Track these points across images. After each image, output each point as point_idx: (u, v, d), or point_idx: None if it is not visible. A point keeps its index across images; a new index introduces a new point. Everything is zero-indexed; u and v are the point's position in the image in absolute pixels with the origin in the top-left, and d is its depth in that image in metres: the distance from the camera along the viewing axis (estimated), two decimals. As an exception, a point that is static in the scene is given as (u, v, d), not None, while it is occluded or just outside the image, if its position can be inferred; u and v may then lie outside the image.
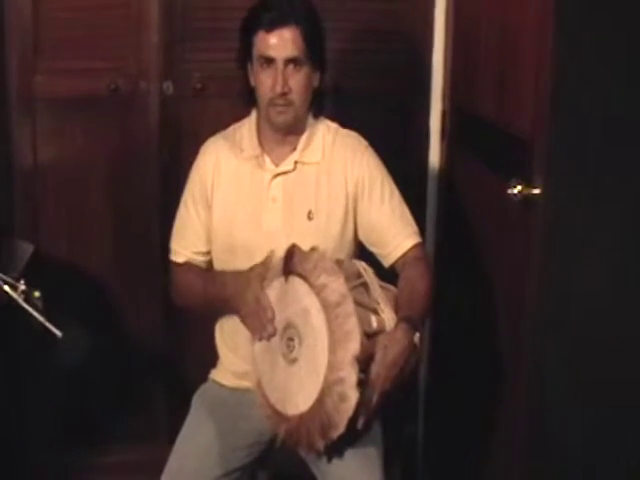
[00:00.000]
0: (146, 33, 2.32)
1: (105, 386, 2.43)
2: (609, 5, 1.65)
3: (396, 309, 1.70)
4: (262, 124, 1.85)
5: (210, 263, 1.90)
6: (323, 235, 1.80)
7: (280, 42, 1.75)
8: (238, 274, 1.77)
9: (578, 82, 1.67)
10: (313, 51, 1.79)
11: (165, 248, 1.96)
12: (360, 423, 1.61)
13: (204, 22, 2.33)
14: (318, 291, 1.60)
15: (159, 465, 1.80)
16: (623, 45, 1.66)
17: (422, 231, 1.93)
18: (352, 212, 1.85)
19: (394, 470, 1.81)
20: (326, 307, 1.58)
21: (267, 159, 1.85)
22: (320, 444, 1.61)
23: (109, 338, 2.38)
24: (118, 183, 2.39)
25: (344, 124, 1.91)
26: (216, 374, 1.93)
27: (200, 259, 1.89)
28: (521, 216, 1.83)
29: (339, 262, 1.69)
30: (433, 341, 2.45)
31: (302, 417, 1.62)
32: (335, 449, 1.69)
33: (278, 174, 1.84)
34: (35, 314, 1.57)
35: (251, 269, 1.75)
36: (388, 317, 1.67)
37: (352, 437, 1.65)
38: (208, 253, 1.89)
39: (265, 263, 1.73)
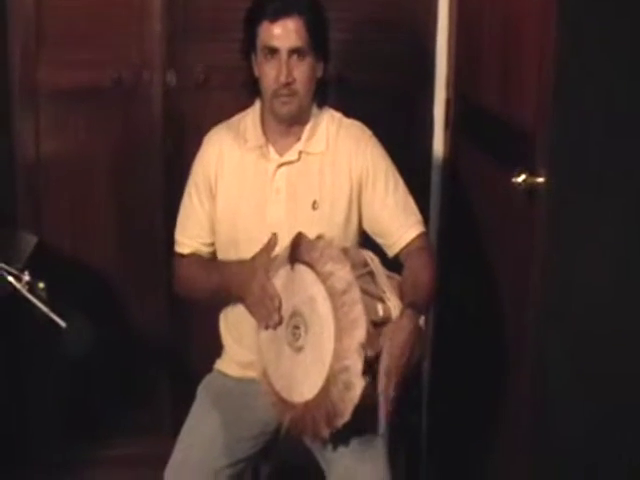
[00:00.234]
0: (149, 24, 2.32)
1: (109, 378, 2.44)
2: (612, -5, 1.65)
3: (401, 297, 1.69)
4: (266, 114, 1.85)
5: (214, 254, 1.90)
6: (327, 225, 1.80)
7: (284, 32, 1.75)
8: (243, 263, 1.77)
9: (581, 71, 1.66)
10: (317, 41, 1.79)
11: (169, 240, 1.96)
12: (383, 420, 1.57)
13: (207, 13, 2.32)
14: (324, 279, 1.60)
15: (164, 457, 1.81)
16: (626, 35, 1.66)
17: (426, 221, 1.93)
18: (356, 202, 1.85)
19: (398, 459, 1.81)
20: (332, 295, 1.58)
21: (271, 149, 1.84)
22: (325, 432, 1.61)
23: (113, 330, 2.38)
24: (121, 174, 2.39)
25: (348, 114, 1.91)
26: (221, 364, 1.93)
27: (204, 250, 1.89)
28: (525, 205, 1.83)
29: (345, 250, 1.69)
30: (437, 331, 2.45)
31: (307, 405, 1.61)
32: (340, 437, 1.69)
33: (282, 164, 1.84)
34: (39, 305, 1.57)
35: (255, 257, 1.74)
36: (394, 305, 1.66)
37: (357, 426, 1.65)
38: (212, 244, 1.89)
39: (268, 248, 1.73)
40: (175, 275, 1.93)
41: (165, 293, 2.35)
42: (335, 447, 1.72)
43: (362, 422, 1.63)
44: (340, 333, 1.57)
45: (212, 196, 1.86)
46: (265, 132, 1.85)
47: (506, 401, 2.00)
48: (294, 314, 1.66)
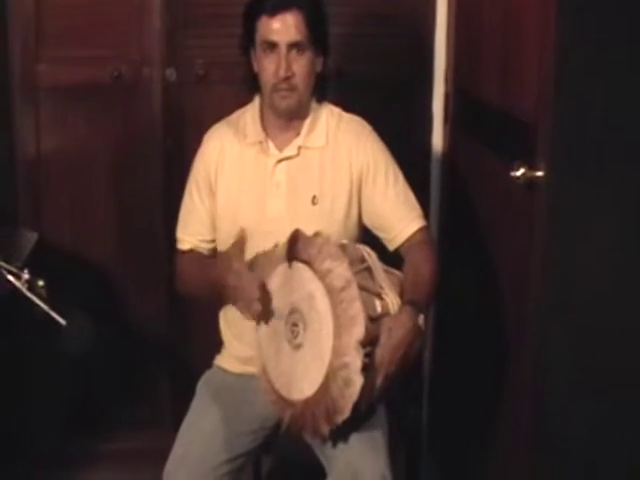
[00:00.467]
0: (148, 20, 2.30)
1: (110, 374, 2.43)
2: (612, -13, 1.63)
3: (401, 293, 1.69)
4: (265, 110, 1.84)
5: (215, 251, 1.89)
6: (327, 220, 1.80)
7: (283, 27, 1.74)
8: (221, 256, 1.76)
9: (581, 64, 1.65)
10: (316, 36, 1.78)
11: (169, 236, 1.95)
12: (364, 405, 1.60)
13: (206, 8, 2.31)
14: (322, 276, 1.59)
15: (164, 452, 1.80)
16: (627, 28, 1.64)
17: (426, 215, 1.93)
18: (356, 197, 1.84)
19: (398, 454, 1.81)
20: (331, 292, 1.58)
21: (271, 144, 1.84)
22: (325, 429, 1.61)
23: (113, 326, 2.38)
24: (121, 170, 2.38)
25: (347, 109, 1.90)
26: (221, 360, 1.93)
27: (205, 247, 1.88)
28: (524, 199, 1.82)
29: (343, 247, 1.68)
30: (437, 325, 2.44)
31: (307, 402, 1.61)
32: (340, 434, 1.68)
33: (282, 159, 1.83)
34: (39, 303, 1.57)
35: (227, 249, 1.73)
36: (392, 301, 1.66)
37: (357, 421, 1.65)
38: (213, 241, 1.88)
39: (239, 242, 1.72)
40: (176, 272, 1.92)
41: (165, 289, 2.35)
42: (335, 443, 1.71)
43: (360, 417, 1.63)
44: (339, 330, 1.56)
45: (212, 193, 1.85)
46: (264, 127, 1.84)
47: (506, 394, 1.99)
48: (293, 311, 1.65)
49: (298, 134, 1.83)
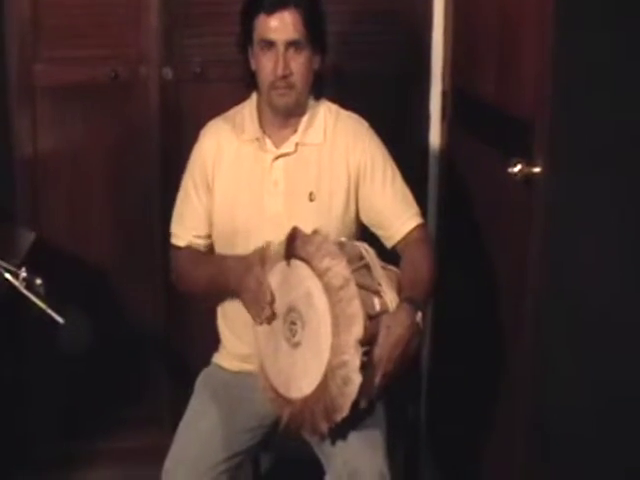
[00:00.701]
0: (145, 18, 2.30)
1: (107, 372, 2.42)
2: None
3: (399, 290, 1.68)
4: (263, 107, 1.84)
5: (211, 247, 1.88)
6: (325, 217, 1.79)
7: (281, 25, 1.74)
8: (240, 258, 1.75)
9: (579, 60, 1.63)
10: (314, 34, 1.77)
11: (166, 234, 1.93)
12: (363, 403, 1.60)
13: (203, 7, 2.30)
14: (321, 274, 1.58)
15: (162, 451, 1.79)
16: (626, 26, 1.63)
17: (423, 212, 1.92)
18: (354, 194, 1.83)
19: (397, 451, 1.81)
20: (329, 290, 1.57)
21: (268, 141, 1.83)
22: (324, 427, 1.60)
23: (111, 324, 2.37)
24: (119, 169, 2.37)
25: (344, 106, 1.90)
26: (218, 358, 1.92)
27: (201, 243, 1.87)
28: (522, 195, 1.81)
29: (341, 244, 1.67)
30: (435, 322, 2.43)
31: (306, 401, 1.60)
32: (339, 432, 1.67)
33: (279, 156, 1.82)
34: (37, 301, 1.56)
35: (252, 253, 1.73)
36: (390, 299, 1.65)
37: (355, 419, 1.64)
38: (209, 237, 1.87)
39: (265, 249, 1.71)
40: (172, 268, 1.91)
41: (163, 287, 2.34)
42: (333, 441, 1.70)
43: (362, 416, 1.64)
44: (337, 329, 1.55)
45: (209, 189, 1.84)
46: (262, 124, 1.83)
47: (505, 391, 1.98)
48: (291, 310, 1.64)
49: (295, 131, 1.82)
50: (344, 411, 1.56)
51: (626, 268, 1.70)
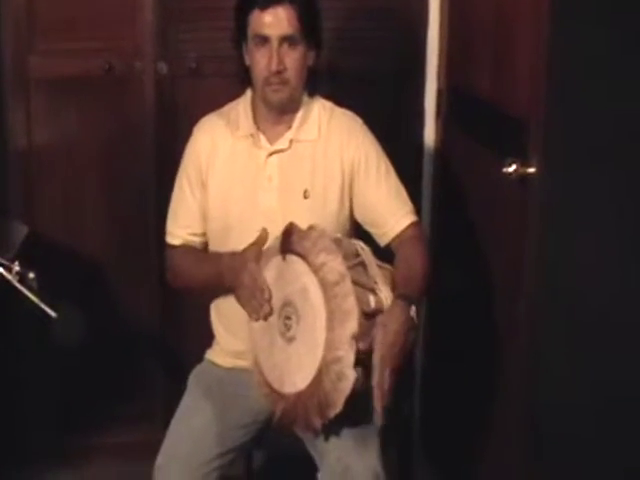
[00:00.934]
0: (141, 13, 2.29)
1: (101, 367, 2.41)
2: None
3: (394, 289, 1.67)
4: (257, 103, 1.83)
5: (206, 244, 1.87)
6: (319, 214, 1.78)
7: (275, 20, 1.73)
8: (234, 254, 1.74)
9: (574, 59, 1.62)
10: (308, 30, 1.76)
11: (161, 229, 1.92)
12: (378, 408, 1.56)
13: (199, 2, 2.30)
14: (317, 270, 1.57)
15: (155, 446, 1.78)
16: (621, 24, 1.62)
17: (417, 211, 1.91)
18: (348, 191, 1.82)
19: (390, 450, 1.80)
20: (324, 286, 1.56)
21: (262, 137, 1.82)
22: (317, 423, 1.59)
23: (104, 319, 2.36)
24: (113, 163, 2.36)
25: (339, 103, 1.89)
26: (212, 354, 1.91)
27: (196, 240, 1.86)
28: (517, 195, 1.81)
29: (337, 240, 1.67)
30: (429, 320, 2.42)
31: (300, 396, 1.59)
32: (332, 428, 1.67)
33: (273, 152, 1.81)
34: (30, 295, 1.55)
35: (247, 249, 1.72)
36: (386, 296, 1.64)
37: (349, 415, 1.61)
38: (204, 234, 1.86)
39: (259, 242, 1.70)
40: (167, 266, 1.90)
41: (157, 282, 2.33)
42: (327, 438, 1.70)
43: (356, 413, 1.61)
44: (332, 324, 1.55)
45: (203, 185, 1.83)
46: (256, 120, 1.83)
47: (500, 389, 1.98)
48: (286, 304, 1.63)
49: (290, 127, 1.81)
50: (337, 407, 1.55)
51: (622, 267, 1.69)
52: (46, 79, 2.29)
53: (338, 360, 1.54)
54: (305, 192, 1.80)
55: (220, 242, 1.83)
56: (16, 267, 1.56)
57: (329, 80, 2.01)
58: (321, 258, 1.57)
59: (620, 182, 1.68)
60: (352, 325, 1.54)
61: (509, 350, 1.90)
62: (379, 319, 1.60)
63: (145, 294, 2.41)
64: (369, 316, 1.60)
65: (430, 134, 2.42)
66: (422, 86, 2.40)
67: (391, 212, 1.82)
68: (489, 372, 2.02)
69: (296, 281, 1.61)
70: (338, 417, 1.58)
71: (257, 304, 1.67)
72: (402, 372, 1.62)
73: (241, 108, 1.84)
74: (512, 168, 1.76)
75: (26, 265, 1.58)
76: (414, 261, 1.76)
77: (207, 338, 1.93)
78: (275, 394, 1.66)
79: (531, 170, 1.73)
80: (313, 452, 1.77)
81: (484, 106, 2.05)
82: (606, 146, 1.66)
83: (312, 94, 1.85)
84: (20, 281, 1.56)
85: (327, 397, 1.56)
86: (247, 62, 1.80)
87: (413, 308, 1.65)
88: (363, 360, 1.56)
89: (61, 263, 2.30)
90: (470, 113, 2.20)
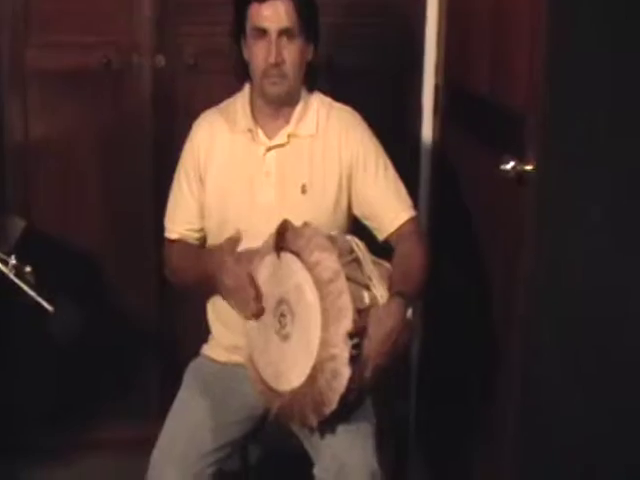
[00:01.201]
0: (139, 6, 2.28)
1: (97, 361, 2.41)
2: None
3: (390, 284, 1.67)
4: (255, 97, 1.82)
5: (204, 240, 1.86)
6: (317, 209, 1.78)
7: (273, 13, 1.72)
8: (213, 251, 1.74)
9: (573, 57, 1.62)
10: (306, 23, 1.76)
11: (159, 223, 1.92)
12: (352, 397, 1.58)
13: (197, -4, 2.29)
14: (311, 267, 1.57)
15: (151, 442, 1.77)
16: (619, 19, 1.61)
17: (415, 207, 1.88)
18: (346, 187, 1.82)
19: (386, 447, 1.80)
20: (319, 284, 1.55)
21: (260, 132, 1.81)
22: (313, 420, 1.59)
23: (101, 313, 2.36)
24: (110, 157, 2.36)
25: (337, 99, 1.88)
26: (208, 349, 1.90)
27: (193, 236, 1.86)
28: (514, 192, 1.79)
29: (332, 238, 1.66)
30: (426, 318, 2.41)
31: (295, 393, 1.59)
32: (328, 425, 1.66)
33: (271, 147, 1.80)
34: (26, 289, 1.55)
35: (221, 246, 1.71)
36: (380, 293, 1.64)
37: (344, 412, 1.63)
38: (202, 230, 1.85)
39: (232, 241, 1.70)
40: (164, 262, 1.90)
41: (154, 277, 2.32)
42: (323, 435, 1.69)
43: (352, 410, 1.63)
44: (327, 322, 1.54)
45: (201, 181, 1.83)
46: (254, 115, 1.82)
47: (496, 388, 1.97)
48: (281, 302, 1.63)
49: (288, 122, 1.81)
50: (333, 405, 1.55)
51: (622, 266, 1.69)
52: (43, 72, 2.28)
53: (333, 358, 1.54)
54: (303, 187, 1.79)
55: (218, 238, 1.82)
56: (12, 261, 1.55)
57: (327, 76, 2.00)
58: (315, 256, 1.57)
59: (619, 180, 1.67)
60: (347, 323, 1.53)
61: (506, 349, 1.89)
62: (373, 313, 1.60)
63: (142, 289, 2.40)
64: (363, 313, 1.59)
65: (427, 131, 2.41)
66: (420, 82, 2.39)
67: (390, 207, 1.81)
68: (486, 371, 2.01)
69: (291, 279, 1.61)
70: (334, 414, 1.58)
71: (241, 303, 1.66)
72: (395, 373, 1.64)
73: (239, 103, 1.84)
74: (509, 165, 1.74)
75: (23, 259, 1.57)
76: (412, 257, 1.75)
77: (203, 333, 1.92)
78: (270, 392, 1.65)
79: (529, 167, 1.71)
80: (309, 448, 1.76)
81: (482, 102, 2.04)
82: (604, 142, 1.65)
83: (311, 89, 1.84)
84: (17, 275, 1.55)
85: (322, 395, 1.55)
86: (246, 56, 1.79)
87: (410, 309, 1.64)
88: (357, 356, 1.56)
89: (58, 257, 2.29)
90: (468, 110, 2.19)
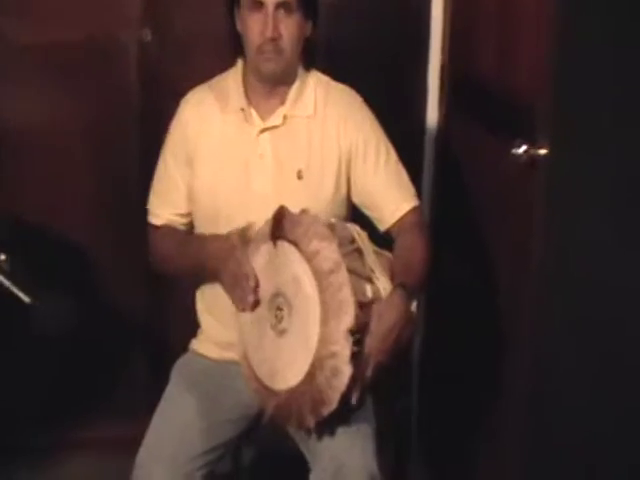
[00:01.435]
0: (124, -25, 2.23)
1: (81, 356, 2.37)
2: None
3: (392, 276, 1.63)
4: (249, 74, 1.76)
5: (191, 225, 1.82)
6: (314, 196, 1.72)
7: None
8: (219, 237, 1.69)
9: (583, 34, 1.57)
10: None
11: (145, 210, 1.86)
12: (354, 398, 1.54)
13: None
14: (309, 258, 1.51)
15: (138, 441, 1.73)
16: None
17: (417, 195, 1.85)
18: (345, 173, 1.77)
19: (386, 449, 1.78)
20: (318, 275, 1.50)
21: (254, 112, 1.75)
22: (310, 421, 1.54)
23: (85, 306, 2.33)
24: (95, 138, 2.31)
25: (335, 80, 1.83)
26: (197, 344, 1.85)
27: (180, 221, 1.81)
28: (525, 179, 1.75)
29: (331, 226, 1.61)
30: (428, 311, 2.39)
31: (292, 392, 1.54)
32: (326, 427, 1.61)
33: (266, 129, 1.74)
34: (1, 279, 1.50)
35: (232, 232, 1.66)
36: (383, 286, 1.60)
37: (344, 413, 1.58)
38: (189, 215, 1.80)
39: (246, 227, 1.66)
40: (150, 248, 1.84)
41: (141, 267, 2.19)
42: (320, 436, 1.64)
43: (351, 410, 1.58)
44: (326, 316, 1.49)
45: (190, 163, 1.77)
46: (247, 94, 1.76)
47: (502, 385, 1.94)
48: (277, 295, 1.57)
49: (283, 102, 1.75)
50: (332, 405, 1.50)
51: (633, 255, 1.64)
52: (23, 47, 2.22)
53: (333, 355, 1.49)
54: (299, 172, 1.74)
55: (207, 224, 1.77)
56: (-17, 249, 1.50)
57: (326, 55, 1.95)
58: (314, 245, 1.52)
59: (634, 164, 1.62)
60: (348, 318, 1.48)
61: (513, 344, 1.86)
62: (375, 307, 1.56)
63: (128, 280, 2.36)
64: (365, 307, 1.55)
65: (433, 113, 2.37)
66: (424, 62, 2.34)
67: (391, 197, 1.78)
68: (491, 368, 1.97)
69: (288, 270, 1.55)
70: (333, 415, 1.53)
71: (242, 293, 1.61)
72: (396, 370, 1.58)
73: (231, 80, 1.77)
74: (522, 149, 1.70)
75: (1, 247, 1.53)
76: (414, 249, 1.72)
77: (193, 327, 1.87)
78: (265, 390, 1.61)
79: (542, 152, 1.67)
80: (305, 450, 1.72)
81: (490, 83, 2.00)
82: (621, 125, 1.59)
83: (308, 67, 1.79)
84: (-11, 264, 1.50)
85: (321, 394, 1.50)
86: (239, 29, 1.73)
87: (415, 302, 1.60)
88: (357, 353, 1.52)
89: (38, 247, 2.25)
90: (475, 91, 2.14)
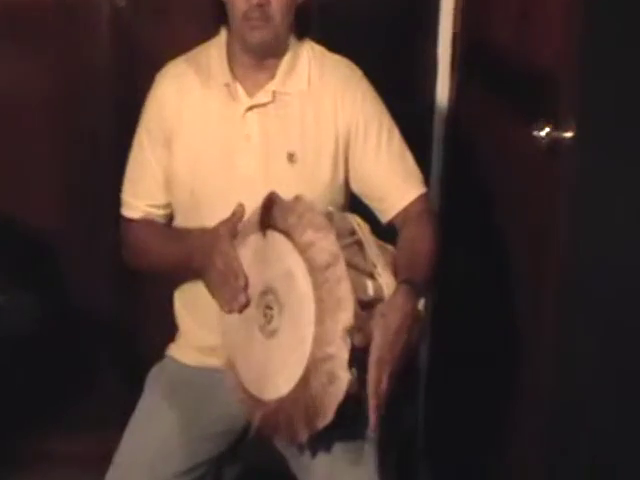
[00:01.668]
0: None
1: (44, 361, 2.38)
2: None
3: (395, 272, 1.64)
4: (234, 45, 1.77)
5: (170, 218, 1.83)
6: (307, 182, 1.74)
7: None
8: (204, 232, 1.70)
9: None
10: None
11: (117, 199, 1.87)
12: (372, 425, 1.53)
13: None
14: (303, 250, 1.52)
15: (107, 457, 1.75)
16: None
17: (425, 180, 1.87)
18: (343, 156, 1.79)
19: (390, 462, 1.80)
20: (313, 269, 1.51)
21: (239, 88, 1.77)
22: (303, 434, 1.54)
23: (49, 305, 2.34)
24: (61, 114, 2.32)
25: (332, 51, 1.84)
26: (175, 350, 1.87)
27: (158, 213, 1.82)
28: (547, 164, 1.77)
29: (329, 215, 1.62)
30: (436, 313, 2.41)
31: (282, 402, 1.55)
32: (320, 441, 1.63)
33: (253, 106, 1.76)
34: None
35: (219, 225, 1.67)
36: (386, 282, 1.60)
37: (341, 426, 1.56)
38: (168, 205, 1.82)
39: (234, 217, 1.66)
40: (123, 243, 1.85)
41: (111, 262, 2.25)
42: (314, 452, 1.66)
43: (350, 422, 1.57)
44: (322, 315, 1.50)
45: (167, 145, 1.78)
46: (232, 68, 1.77)
47: (517, 393, 1.96)
48: (266, 292, 1.59)
49: (273, 76, 1.76)
50: (328, 416, 1.50)
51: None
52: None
53: (329, 358, 1.49)
54: (290, 155, 1.75)
55: (188, 214, 1.79)
56: None
57: (321, 24, 2.00)
58: (309, 235, 1.52)
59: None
60: (346, 316, 1.49)
61: (530, 348, 1.88)
62: (379, 309, 1.56)
63: (97, 276, 2.38)
64: (367, 305, 1.55)
65: (443, 89, 2.40)
66: (434, 31, 2.36)
67: (394, 184, 1.79)
68: (504, 374, 2.00)
69: (279, 263, 1.56)
70: (328, 427, 1.53)
71: (230, 293, 1.62)
72: (404, 375, 1.58)
73: (214, 52, 1.78)
74: (544, 132, 1.72)
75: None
76: (420, 242, 1.73)
77: (171, 330, 1.90)
78: (253, 400, 1.61)
79: (567, 135, 1.68)
80: (296, 469, 1.74)
81: (508, 55, 2.02)
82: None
83: (301, 37, 1.80)
84: None
85: (315, 403, 1.51)
86: (223, -6, 1.75)
87: (422, 300, 1.61)
88: (358, 358, 1.51)
89: (2, 238, 2.27)
90: (491, 64, 2.17)
